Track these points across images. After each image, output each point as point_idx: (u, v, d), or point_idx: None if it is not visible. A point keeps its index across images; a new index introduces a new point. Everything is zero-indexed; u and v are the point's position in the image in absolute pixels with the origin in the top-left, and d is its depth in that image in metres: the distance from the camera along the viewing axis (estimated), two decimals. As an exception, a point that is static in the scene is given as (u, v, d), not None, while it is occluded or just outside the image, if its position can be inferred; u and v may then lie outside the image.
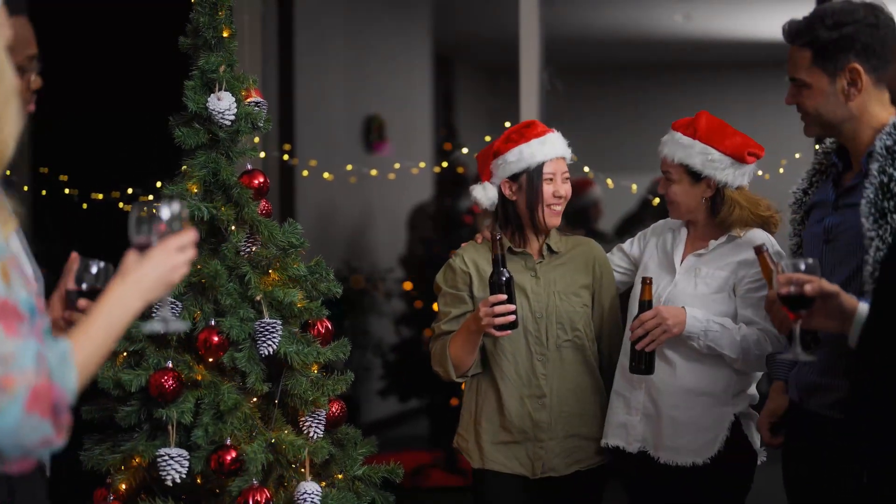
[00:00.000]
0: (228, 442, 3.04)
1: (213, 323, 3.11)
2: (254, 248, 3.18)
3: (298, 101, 6.59)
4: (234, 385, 3.12)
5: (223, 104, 3.16)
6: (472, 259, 3.29)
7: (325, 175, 5.90)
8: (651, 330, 3.04)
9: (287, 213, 6.02)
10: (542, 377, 3.24)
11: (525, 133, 3.29)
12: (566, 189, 3.29)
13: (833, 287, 2.34)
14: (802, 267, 2.35)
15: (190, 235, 1.88)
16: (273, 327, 3.10)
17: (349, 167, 6.19)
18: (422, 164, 6.97)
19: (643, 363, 3.07)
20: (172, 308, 3.09)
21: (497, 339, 3.21)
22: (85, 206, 4.94)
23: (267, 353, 3.10)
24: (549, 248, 3.32)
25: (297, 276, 3.20)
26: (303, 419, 3.17)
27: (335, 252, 7.17)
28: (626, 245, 3.43)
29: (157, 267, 1.82)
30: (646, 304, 3.09)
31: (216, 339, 3.08)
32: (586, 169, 5.28)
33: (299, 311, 3.18)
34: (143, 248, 1.85)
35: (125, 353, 3.12)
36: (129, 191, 4.79)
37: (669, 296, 3.17)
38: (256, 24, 5.75)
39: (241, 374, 3.14)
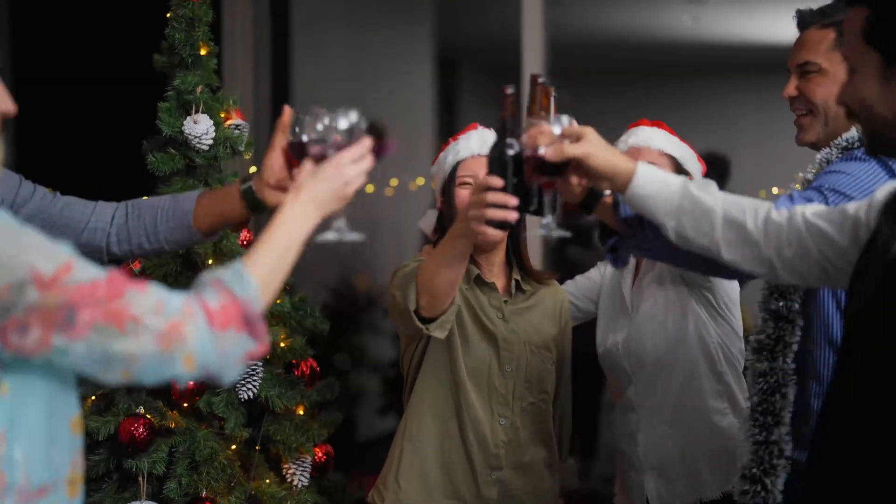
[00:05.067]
0: (204, 494, 2.82)
1: (188, 365, 2.88)
2: (233, 284, 2.95)
3: (294, 109, 6.37)
4: (212, 431, 2.90)
5: (200, 128, 2.94)
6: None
7: (321, 188, 5.68)
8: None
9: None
10: (503, 446, 2.70)
11: (455, 137, 2.83)
12: None
13: (581, 150, 1.98)
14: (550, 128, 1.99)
15: (364, 145, 1.85)
16: (253, 369, 2.89)
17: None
18: (419, 182, 6.76)
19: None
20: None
21: (459, 385, 2.66)
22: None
23: (247, 397, 2.89)
24: (518, 286, 2.77)
25: (280, 313, 2.99)
26: (286, 466, 2.97)
27: (331, 268, 6.98)
28: (594, 272, 3.07)
29: (331, 182, 1.81)
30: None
31: (191, 382, 2.86)
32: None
33: (282, 352, 2.96)
34: (318, 158, 1.83)
35: (93, 398, 2.90)
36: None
37: (632, 346, 2.87)
38: (248, 30, 5.56)
39: (220, 419, 2.92)
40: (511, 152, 2.05)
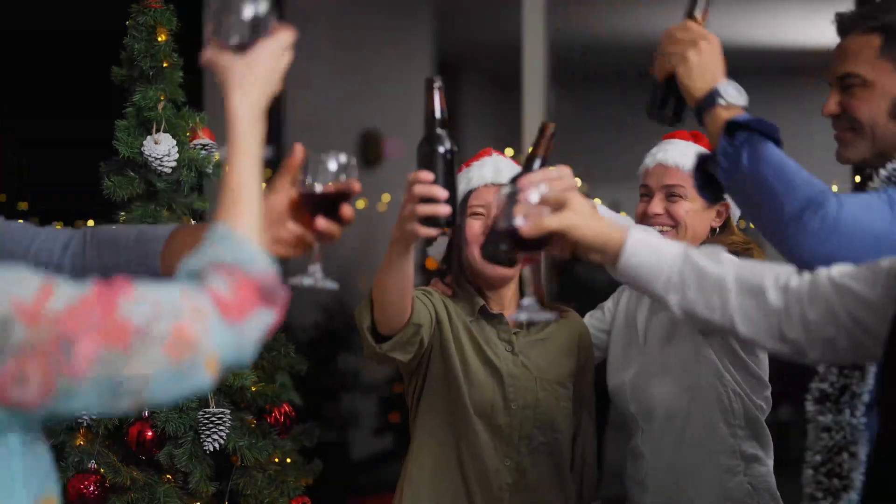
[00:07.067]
0: (165, 558, 2.54)
1: (145, 414, 2.60)
2: (198, 322, 2.66)
3: (286, 119, 6.14)
4: (174, 486, 2.62)
5: (161, 148, 2.68)
6: (444, 302, 2.53)
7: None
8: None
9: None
10: (507, 488, 2.49)
11: (468, 163, 2.63)
12: None
13: (563, 222, 1.76)
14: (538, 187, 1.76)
15: (287, 36, 1.59)
16: (220, 418, 2.60)
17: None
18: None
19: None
20: None
21: (461, 423, 2.48)
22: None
23: (213, 448, 2.60)
24: None
25: (251, 354, 2.69)
26: (258, 523, 2.68)
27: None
28: (609, 301, 2.84)
29: (270, 71, 1.55)
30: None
31: (150, 433, 2.58)
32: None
33: (253, 397, 2.67)
34: (240, 47, 1.57)
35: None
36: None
37: (639, 390, 2.61)
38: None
39: (183, 472, 2.64)
40: (441, 149, 1.95)
